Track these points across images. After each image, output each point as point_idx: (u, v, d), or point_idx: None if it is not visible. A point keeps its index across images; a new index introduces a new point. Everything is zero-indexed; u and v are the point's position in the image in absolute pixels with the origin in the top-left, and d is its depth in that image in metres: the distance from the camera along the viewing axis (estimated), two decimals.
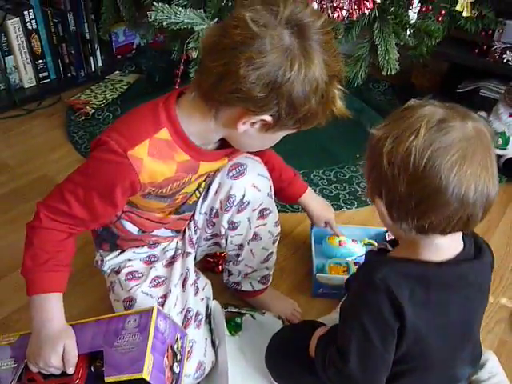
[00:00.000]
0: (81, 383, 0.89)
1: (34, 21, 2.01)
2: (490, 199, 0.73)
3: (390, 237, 1.36)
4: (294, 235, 1.48)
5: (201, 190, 1.06)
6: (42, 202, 0.90)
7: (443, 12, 1.59)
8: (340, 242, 1.36)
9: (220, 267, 1.33)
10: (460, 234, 0.81)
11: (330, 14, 1.35)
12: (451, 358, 0.87)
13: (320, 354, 0.91)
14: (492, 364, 1.03)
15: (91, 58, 2.19)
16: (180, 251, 1.13)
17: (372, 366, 0.82)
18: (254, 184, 1.05)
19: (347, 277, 1.25)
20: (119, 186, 0.87)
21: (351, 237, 1.38)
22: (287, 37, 0.77)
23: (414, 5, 1.51)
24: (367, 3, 1.35)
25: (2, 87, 2.05)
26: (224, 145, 0.95)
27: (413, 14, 1.52)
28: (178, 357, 0.92)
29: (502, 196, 1.61)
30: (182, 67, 1.41)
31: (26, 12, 1.98)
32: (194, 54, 1.33)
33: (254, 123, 0.84)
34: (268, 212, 1.10)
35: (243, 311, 1.19)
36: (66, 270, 0.91)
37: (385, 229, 1.38)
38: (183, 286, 1.07)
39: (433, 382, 0.88)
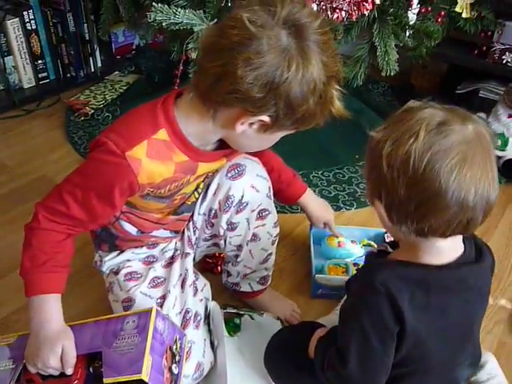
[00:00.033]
0: None
1: (33, 21, 2.01)
2: (491, 202, 0.72)
3: (389, 238, 1.36)
4: (293, 236, 1.48)
5: (199, 190, 1.06)
6: (41, 202, 0.90)
7: (442, 13, 1.59)
8: (339, 242, 1.36)
9: (219, 268, 1.33)
10: (460, 237, 0.80)
11: (330, 15, 1.35)
12: (451, 361, 0.87)
13: (319, 355, 0.91)
14: (491, 365, 1.03)
15: (90, 58, 2.19)
16: (179, 252, 1.13)
17: (371, 369, 0.82)
18: (252, 185, 1.05)
19: (346, 278, 1.26)
20: (117, 186, 0.87)
21: (350, 238, 1.38)
22: (285, 37, 0.77)
23: (414, 6, 1.51)
24: (366, 4, 1.35)
25: (2, 87, 2.05)
26: (222, 145, 0.95)
27: (412, 15, 1.52)
28: (177, 358, 0.91)
29: (501, 197, 1.60)
30: (181, 68, 1.41)
31: (25, 12, 1.98)
32: (194, 55, 1.33)
33: (252, 124, 0.84)
34: (267, 213, 1.10)
35: (242, 312, 1.19)
36: (65, 270, 0.91)
37: (384, 230, 1.38)
38: (182, 286, 1.07)
39: None
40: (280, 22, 0.77)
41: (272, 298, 1.26)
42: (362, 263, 1.32)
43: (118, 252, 1.11)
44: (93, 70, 2.22)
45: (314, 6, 1.33)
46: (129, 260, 1.11)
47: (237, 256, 1.15)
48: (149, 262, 1.12)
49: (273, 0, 0.78)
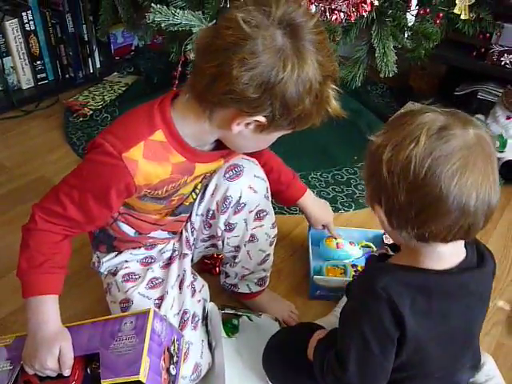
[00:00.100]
0: None
1: (32, 22, 2.00)
2: (492, 207, 0.72)
3: (387, 239, 1.36)
4: (292, 237, 1.48)
5: (197, 191, 1.06)
6: (37, 204, 0.90)
7: (441, 15, 1.59)
8: (337, 244, 1.36)
9: (217, 269, 1.33)
10: (462, 242, 0.80)
11: (328, 17, 1.35)
12: (451, 366, 0.87)
13: (318, 358, 0.91)
14: (489, 367, 1.03)
15: (89, 59, 2.19)
16: (177, 252, 1.13)
17: (371, 374, 0.82)
18: (250, 185, 1.05)
19: (345, 279, 1.26)
20: (114, 188, 0.87)
21: (349, 239, 1.38)
22: (280, 37, 0.77)
23: (412, 7, 1.51)
24: (365, 6, 1.35)
25: (0, 88, 2.05)
26: (220, 146, 0.95)
27: (411, 17, 1.52)
28: (175, 359, 0.91)
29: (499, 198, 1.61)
30: (180, 69, 1.41)
31: (24, 13, 1.98)
32: (192, 56, 1.33)
33: (248, 124, 0.84)
34: (265, 214, 1.10)
35: (240, 313, 1.19)
36: (62, 271, 0.90)
37: (382, 231, 1.38)
38: (180, 287, 1.07)
39: None
40: (275, 22, 0.77)
41: (270, 299, 1.26)
42: (360, 264, 1.32)
43: (115, 253, 1.11)
44: (91, 70, 2.22)
45: (313, 8, 1.33)
46: (127, 261, 1.11)
47: (235, 257, 1.15)
48: (147, 262, 1.11)
49: (268, 0, 0.78)
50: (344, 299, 1.22)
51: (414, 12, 1.52)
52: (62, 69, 2.17)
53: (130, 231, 1.06)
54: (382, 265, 0.86)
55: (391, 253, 0.90)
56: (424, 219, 0.71)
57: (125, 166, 0.85)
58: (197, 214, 1.10)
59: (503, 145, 1.71)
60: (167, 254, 1.13)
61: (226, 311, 1.17)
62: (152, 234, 1.09)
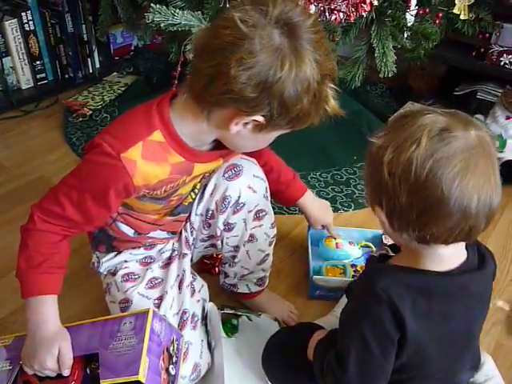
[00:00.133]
0: None
1: (31, 22, 2.00)
2: (493, 208, 0.72)
3: (386, 239, 1.36)
4: (291, 237, 1.48)
5: (196, 191, 1.06)
6: (36, 204, 0.90)
7: (440, 15, 1.59)
8: (337, 244, 1.36)
9: (217, 269, 1.33)
10: (463, 244, 0.80)
11: (328, 17, 1.35)
12: (451, 367, 0.87)
13: (318, 358, 0.91)
14: (488, 367, 1.03)
15: (89, 59, 2.18)
16: (176, 252, 1.13)
17: (371, 375, 0.82)
18: (249, 185, 1.05)
19: (344, 279, 1.26)
20: (113, 188, 0.87)
21: (348, 239, 1.38)
22: (277, 36, 0.76)
23: (412, 7, 1.51)
24: (365, 6, 1.35)
25: (0, 88, 2.05)
26: (219, 146, 0.95)
27: (410, 17, 1.52)
28: (174, 359, 0.91)
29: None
30: (179, 69, 1.41)
31: (23, 13, 1.97)
32: (191, 56, 1.33)
33: (246, 124, 0.84)
34: (264, 213, 1.10)
35: (239, 313, 1.19)
36: (61, 271, 0.90)
37: (381, 231, 1.38)
38: (179, 287, 1.07)
39: None
40: (272, 22, 0.76)
41: (269, 299, 1.26)
42: (359, 264, 1.32)
43: (115, 253, 1.11)
44: (91, 70, 2.21)
45: (312, 8, 1.33)
46: (126, 261, 1.11)
47: (234, 257, 1.15)
48: (146, 262, 1.11)
49: None
50: (343, 299, 1.22)
51: (414, 12, 1.52)
52: (62, 69, 2.17)
53: (129, 231, 1.06)
54: (382, 266, 0.85)
55: (391, 253, 0.90)
56: (425, 221, 0.71)
57: (123, 166, 0.85)
58: (196, 214, 1.10)
59: (503, 145, 1.71)
60: (166, 254, 1.13)
61: (226, 311, 1.17)
62: (151, 234, 1.09)
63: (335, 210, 1.57)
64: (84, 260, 1.18)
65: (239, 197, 1.05)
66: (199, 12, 1.33)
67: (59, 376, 0.88)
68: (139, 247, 1.11)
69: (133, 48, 2.37)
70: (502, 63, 1.83)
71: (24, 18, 1.98)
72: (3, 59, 2.00)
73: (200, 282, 1.14)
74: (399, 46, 1.53)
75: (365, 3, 1.35)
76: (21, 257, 0.89)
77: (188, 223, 1.13)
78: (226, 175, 1.04)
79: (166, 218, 1.05)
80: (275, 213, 1.16)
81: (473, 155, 0.69)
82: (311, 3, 1.33)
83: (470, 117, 0.74)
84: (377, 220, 0.79)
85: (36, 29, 2.03)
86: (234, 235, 1.10)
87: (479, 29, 1.76)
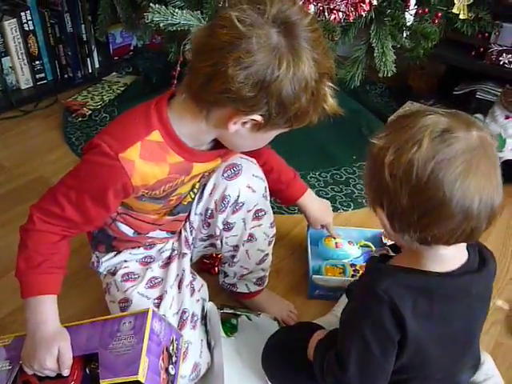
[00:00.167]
0: None
1: (30, 22, 2.00)
2: (495, 209, 0.72)
3: (385, 239, 1.36)
4: (291, 237, 1.48)
5: (195, 190, 1.06)
6: (35, 204, 0.90)
7: (440, 14, 1.59)
8: (336, 243, 1.36)
9: (216, 269, 1.33)
10: (464, 245, 0.80)
11: (327, 16, 1.35)
12: (452, 367, 0.87)
13: (318, 358, 0.91)
14: (488, 366, 1.02)
15: (88, 59, 2.18)
16: (176, 252, 1.13)
17: (371, 376, 0.82)
18: (248, 185, 1.05)
19: (343, 279, 1.26)
20: (111, 188, 0.87)
21: (347, 238, 1.38)
22: (275, 35, 0.76)
23: (411, 7, 1.51)
24: (364, 5, 1.35)
25: None
26: (217, 145, 0.95)
27: (409, 17, 1.52)
28: (174, 358, 0.91)
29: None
30: (178, 68, 1.41)
31: (22, 13, 1.98)
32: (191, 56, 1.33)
33: (244, 123, 0.84)
34: (263, 213, 1.11)
35: (239, 312, 1.19)
36: (61, 272, 0.90)
37: (382, 231, 1.38)
38: (179, 287, 1.07)
39: None
40: (269, 21, 0.76)
41: (269, 298, 1.26)
42: (359, 264, 1.32)
43: (115, 253, 1.11)
44: (90, 70, 2.21)
45: (312, 7, 1.33)
46: (126, 261, 1.11)
47: (233, 256, 1.15)
48: (146, 262, 1.11)
49: None
50: (343, 299, 1.22)
51: (413, 11, 1.52)
52: (61, 69, 2.17)
53: (128, 231, 1.06)
54: (382, 266, 0.85)
55: (392, 253, 0.90)
56: (427, 223, 0.71)
57: (122, 166, 0.85)
58: (195, 214, 1.10)
59: (502, 144, 1.70)
60: (166, 254, 1.13)
61: (225, 311, 1.17)
62: (151, 234, 1.09)
63: (335, 209, 1.57)
64: (83, 260, 1.18)
65: (238, 196, 1.05)
66: (198, 12, 1.33)
67: (59, 376, 0.88)
68: (139, 247, 1.11)
69: (132, 48, 2.37)
70: (501, 62, 1.83)
71: (23, 17, 1.98)
72: (2, 59, 2.00)
73: (200, 282, 1.14)
74: (398, 46, 1.53)
75: (364, 3, 1.35)
76: (20, 257, 0.89)
77: (187, 223, 1.13)
78: (226, 175, 1.04)
79: (166, 217, 1.05)
80: (274, 212, 1.16)
81: (474, 156, 0.69)
82: (310, 3, 1.33)
83: (472, 117, 0.74)
84: (376, 219, 0.79)
85: (35, 29, 2.03)
86: (233, 235, 1.10)
87: (478, 28, 1.76)
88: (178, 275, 1.09)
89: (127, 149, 0.85)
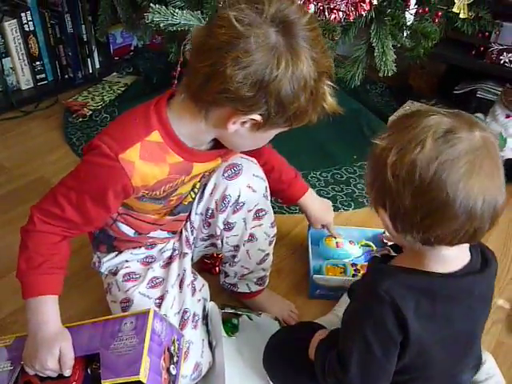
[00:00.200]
0: None
1: (31, 22, 2.00)
2: (498, 209, 0.71)
3: (385, 239, 1.36)
4: (292, 236, 1.48)
5: (196, 190, 1.06)
6: (36, 205, 0.90)
7: (440, 14, 1.59)
8: (337, 243, 1.36)
9: (217, 268, 1.33)
10: (467, 246, 0.79)
11: (327, 16, 1.35)
12: (454, 368, 0.87)
13: (320, 358, 0.91)
14: (489, 365, 1.02)
15: (88, 59, 2.18)
16: (177, 252, 1.13)
17: (373, 377, 0.82)
18: (249, 185, 1.05)
19: (344, 278, 1.26)
20: (111, 189, 0.87)
21: (348, 238, 1.38)
22: (273, 35, 0.76)
23: (411, 6, 1.51)
24: (364, 5, 1.35)
25: (0, 89, 2.05)
26: (217, 145, 0.95)
27: (409, 16, 1.52)
28: (175, 358, 0.91)
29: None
30: (179, 69, 1.41)
31: (23, 14, 1.97)
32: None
33: (244, 123, 0.84)
34: (264, 213, 1.11)
35: (240, 312, 1.19)
36: (61, 272, 0.91)
37: (382, 230, 1.38)
38: (180, 286, 1.07)
39: None
40: (268, 20, 0.76)
41: (270, 298, 1.26)
42: (360, 263, 1.32)
43: (116, 253, 1.11)
44: (91, 71, 2.21)
45: (312, 7, 1.33)
46: (127, 261, 1.11)
47: (234, 256, 1.15)
48: (147, 262, 1.12)
49: None
50: (344, 298, 1.22)
51: (413, 11, 1.52)
52: (62, 69, 2.17)
53: (129, 231, 1.06)
54: (384, 267, 0.85)
55: (393, 254, 0.89)
56: (430, 223, 0.71)
57: (121, 167, 0.85)
58: (196, 213, 1.11)
59: (503, 143, 1.70)
60: (167, 254, 1.13)
61: (226, 310, 1.18)
62: (151, 234, 1.09)
63: (335, 209, 1.57)
64: (84, 261, 1.18)
65: (239, 196, 1.05)
66: (198, 12, 1.33)
67: (60, 376, 0.88)
68: (140, 247, 1.11)
69: (132, 48, 2.37)
70: (501, 62, 1.83)
71: (24, 18, 1.98)
72: (3, 60, 2.00)
73: (201, 282, 1.14)
74: (399, 45, 1.53)
75: (364, 2, 1.35)
76: (21, 258, 0.89)
77: (188, 222, 1.13)
78: (226, 174, 1.04)
79: (166, 217, 1.05)
80: (275, 212, 1.16)
81: (477, 156, 0.69)
82: (310, 2, 1.33)
83: (474, 117, 0.74)
84: (377, 219, 0.79)
85: (36, 29, 2.03)
86: (233, 234, 1.10)
87: (479, 27, 1.76)
88: (179, 275, 1.09)
89: (127, 150, 0.85)
